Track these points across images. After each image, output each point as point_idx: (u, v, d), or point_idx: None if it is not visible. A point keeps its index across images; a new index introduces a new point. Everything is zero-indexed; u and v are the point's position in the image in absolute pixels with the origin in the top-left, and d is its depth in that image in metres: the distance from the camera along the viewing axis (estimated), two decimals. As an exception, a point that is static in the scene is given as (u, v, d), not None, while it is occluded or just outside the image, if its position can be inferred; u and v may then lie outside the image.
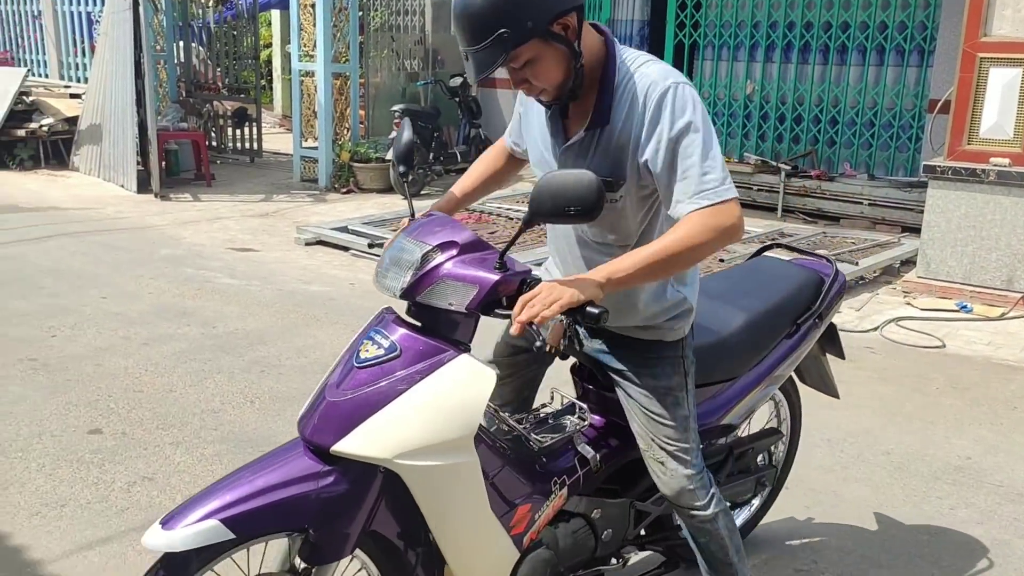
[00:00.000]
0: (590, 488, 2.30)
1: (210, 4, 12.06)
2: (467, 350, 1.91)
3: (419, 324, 1.91)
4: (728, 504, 2.79)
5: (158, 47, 11.24)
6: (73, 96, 11.16)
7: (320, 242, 7.37)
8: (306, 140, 10.18)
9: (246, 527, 1.73)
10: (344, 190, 9.68)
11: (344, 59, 9.89)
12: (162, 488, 3.32)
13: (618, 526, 2.39)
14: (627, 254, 1.89)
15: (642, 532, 2.54)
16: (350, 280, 6.36)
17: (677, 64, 9.54)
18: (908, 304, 6.01)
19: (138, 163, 9.44)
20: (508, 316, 1.84)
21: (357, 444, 1.79)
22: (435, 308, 1.87)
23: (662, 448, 2.20)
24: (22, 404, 3.98)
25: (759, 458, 2.86)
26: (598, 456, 2.28)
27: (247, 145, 11.81)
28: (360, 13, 10.11)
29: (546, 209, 1.78)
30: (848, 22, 8.69)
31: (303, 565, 1.90)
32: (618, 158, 1.97)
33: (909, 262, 6.80)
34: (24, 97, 10.65)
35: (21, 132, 10.45)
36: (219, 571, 1.83)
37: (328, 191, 9.71)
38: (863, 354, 5.01)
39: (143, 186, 9.29)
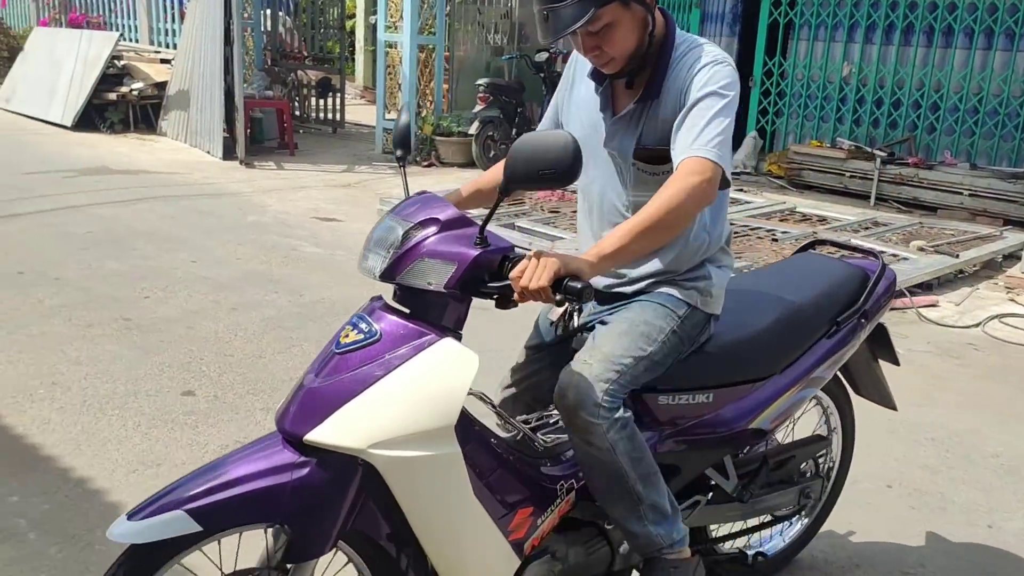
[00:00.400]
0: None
1: (298, -27, 12.15)
2: (456, 336, 1.79)
3: (407, 311, 1.80)
4: (771, 515, 2.59)
5: (246, 14, 11.34)
6: (163, 61, 11.37)
7: (402, 214, 7.35)
8: (388, 112, 10.20)
9: (213, 519, 1.64)
10: (425, 163, 9.67)
11: (430, 31, 9.85)
12: (254, 453, 3.33)
13: None
14: (613, 231, 1.87)
15: None
16: (433, 253, 6.33)
17: (771, 44, 9.28)
18: (1012, 300, 5.72)
19: (223, 130, 9.58)
20: (491, 294, 1.76)
21: (330, 433, 1.68)
22: (421, 292, 1.76)
23: (599, 353, 2.00)
24: (118, 363, 4.05)
25: (803, 467, 2.63)
26: None
27: (329, 115, 11.90)
28: (448, -15, 10.06)
29: (520, 175, 1.69)
30: (955, 3, 8.30)
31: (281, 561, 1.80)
32: (665, 129, 1.99)
33: (1012, 256, 6.49)
34: (116, 61, 10.90)
35: (112, 96, 10.69)
36: (200, 561, 1.75)
37: (410, 164, 9.70)
38: (966, 351, 4.78)
39: (228, 153, 9.43)
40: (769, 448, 2.52)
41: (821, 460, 2.71)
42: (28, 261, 5.49)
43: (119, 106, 10.76)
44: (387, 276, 1.78)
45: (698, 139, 1.88)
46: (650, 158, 2.03)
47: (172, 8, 12.41)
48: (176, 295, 5.03)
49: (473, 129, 9.18)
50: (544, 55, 9.84)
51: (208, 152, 9.61)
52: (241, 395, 3.81)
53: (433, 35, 9.89)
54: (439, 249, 1.75)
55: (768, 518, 2.63)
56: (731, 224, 2.24)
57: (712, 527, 2.51)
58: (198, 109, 9.91)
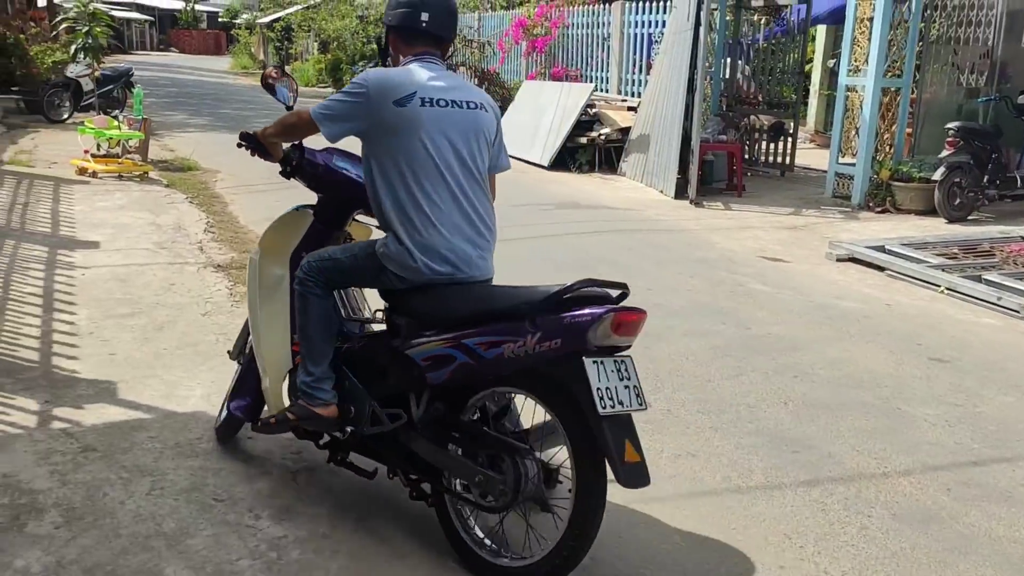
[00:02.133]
0: (347, 363, 3.03)
1: (762, 21, 12.42)
2: (316, 216, 3.29)
3: None
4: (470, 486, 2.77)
5: (708, 63, 11.91)
6: (628, 109, 12.38)
7: (852, 259, 7.22)
8: (843, 156, 10.01)
9: None
10: (879, 209, 9.31)
11: (895, 73, 9.50)
12: (704, 464, 3.61)
13: (356, 405, 2.95)
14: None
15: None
16: (885, 300, 6.15)
17: None
18: None
19: (676, 171, 10.15)
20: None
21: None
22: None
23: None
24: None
25: (501, 460, 2.68)
26: (359, 339, 3.15)
27: (779, 159, 11.99)
28: (921, 25, 9.61)
29: None
30: None
31: None
32: None
33: None
34: (589, 109, 12.12)
35: (583, 140, 11.92)
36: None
37: (861, 209, 9.44)
38: None
39: (680, 193, 9.98)
40: (465, 412, 2.83)
41: (525, 470, 2.66)
42: (516, 280, 6.40)
43: (587, 148, 11.94)
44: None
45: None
46: None
47: (640, 61, 13.45)
48: (634, 318, 5.52)
49: (938, 175, 8.64)
50: (1029, 96, 8.96)
51: (661, 191, 10.27)
52: (691, 412, 4.11)
53: (899, 77, 9.51)
54: None
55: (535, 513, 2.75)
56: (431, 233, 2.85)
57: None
58: (656, 152, 10.64)
